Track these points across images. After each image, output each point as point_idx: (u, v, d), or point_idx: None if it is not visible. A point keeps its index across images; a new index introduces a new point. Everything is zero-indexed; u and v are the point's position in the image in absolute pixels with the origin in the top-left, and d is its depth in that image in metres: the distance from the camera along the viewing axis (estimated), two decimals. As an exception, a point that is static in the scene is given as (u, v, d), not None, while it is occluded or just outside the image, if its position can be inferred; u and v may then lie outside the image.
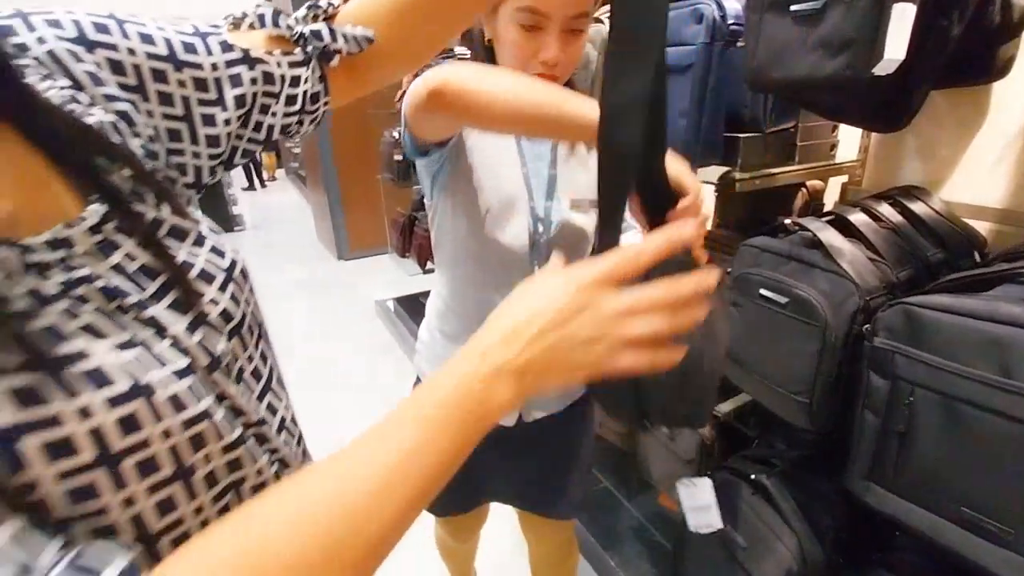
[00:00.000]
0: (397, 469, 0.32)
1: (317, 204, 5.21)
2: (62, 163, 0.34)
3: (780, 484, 1.06)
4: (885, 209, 0.97)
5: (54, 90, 0.35)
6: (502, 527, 1.55)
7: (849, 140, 1.23)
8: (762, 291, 0.93)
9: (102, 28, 0.39)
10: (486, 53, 0.88)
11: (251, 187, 8.79)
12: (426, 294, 1.03)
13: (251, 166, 8.71)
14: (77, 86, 0.37)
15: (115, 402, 0.29)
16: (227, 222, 5.89)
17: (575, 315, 0.37)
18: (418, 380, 1.07)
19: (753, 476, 1.09)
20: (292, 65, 0.48)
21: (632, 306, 0.38)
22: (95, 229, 0.33)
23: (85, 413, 0.28)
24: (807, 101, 1.00)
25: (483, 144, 0.87)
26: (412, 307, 3.25)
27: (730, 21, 1.09)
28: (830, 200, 1.34)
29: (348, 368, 3.00)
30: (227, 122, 0.45)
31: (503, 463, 1.07)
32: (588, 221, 0.91)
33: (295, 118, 0.50)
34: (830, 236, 0.89)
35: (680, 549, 1.26)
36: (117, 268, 0.34)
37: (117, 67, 0.39)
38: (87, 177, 0.34)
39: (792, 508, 1.04)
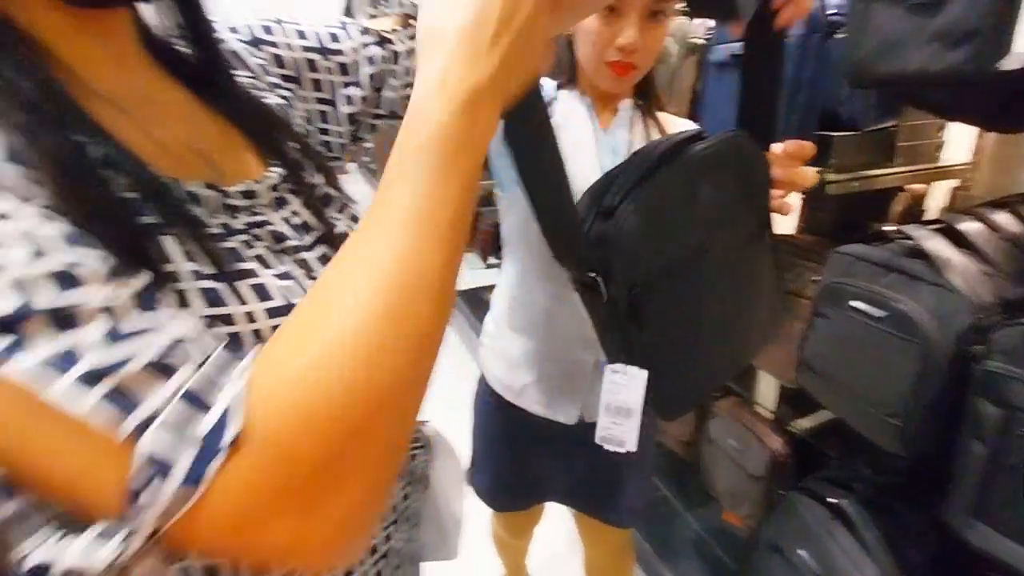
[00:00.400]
0: (424, 220, 0.29)
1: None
2: (250, 134, 0.43)
3: (863, 511, 0.99)
4: (1002, 218, 0.88)
5: (240, 79, 0.44)
6: (557, 526, 1.54)
7: (958, 141, 1.13)
8: (854, 303, 0.86)
9: (268, 29, 0.48)
10: (567, 52, 0.86)
11: (323, 178, 9.17)
12: (487, 288, 1.02)
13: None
14: (254, 76, 0.46)
15: (272, 313, 0.36)
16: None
17: (515, 7, 0.31)
18: (482, 376, 1.07)
19: (832, 500, 1.02)
20: (410, 38, 0.54)
21: None
22: (274, 187, 0.42)
23: (250, 317, 0.35)
24: (917, 98, 0.92)
25: (560, 140, 0.86)
26: (472, 301, 3.28)
27: (830, 11, 1.02)
28: (933, 206, 1.23)
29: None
30: (363, 100, 0.52)
31: (561, 462, 1.05)
32: None
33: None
34: (937, 246, 0.82)
35: (744, 568, 1.20)
36: (286, 219, 0.42)
37: (279, 61, 0.48)
38: (269, 147, 0.43)
39: (876, 538, 0.96)
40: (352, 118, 0.52)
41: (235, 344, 0.34)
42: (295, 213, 0.43)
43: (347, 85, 0.51)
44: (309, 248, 0.43)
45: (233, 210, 0.38)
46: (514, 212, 0.92)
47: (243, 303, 0.35)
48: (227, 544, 0.26)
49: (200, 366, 0.26)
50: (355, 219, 0.48)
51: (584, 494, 1.09)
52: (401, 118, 0.57)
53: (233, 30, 0.47)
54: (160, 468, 0.23)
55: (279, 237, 0.41)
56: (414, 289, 0.28)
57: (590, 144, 0.86)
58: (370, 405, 0.26)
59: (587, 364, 0.92)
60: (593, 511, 1.12)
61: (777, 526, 1.07)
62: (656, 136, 0.91)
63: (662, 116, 0.93)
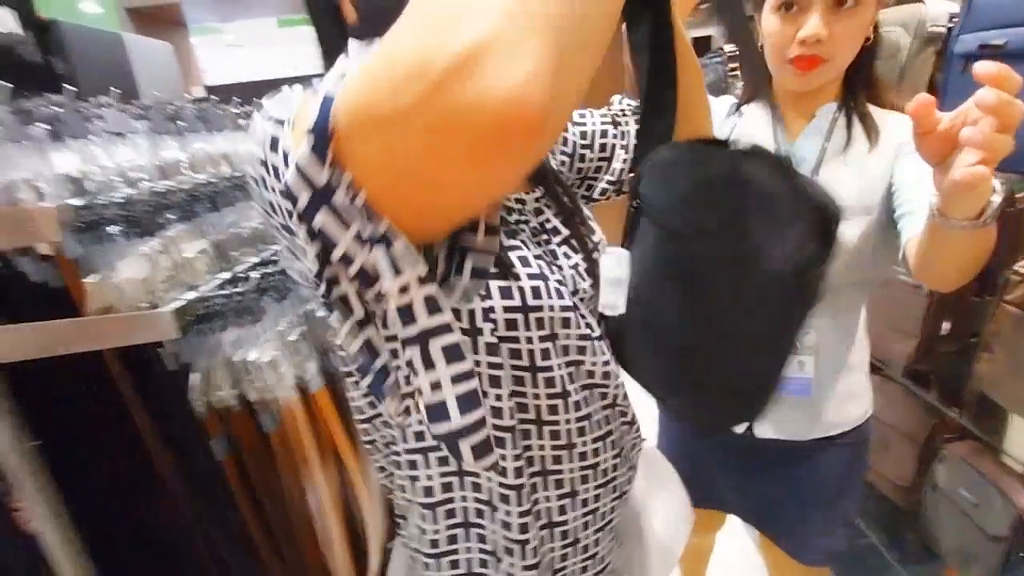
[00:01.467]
0: None
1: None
2: None
3: None
4: None
5: None
6: (743, 553, 1.49)
7: None
8: None
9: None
10: (757, 62, 0.86)
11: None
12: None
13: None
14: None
15: (531, 276, 0.50)
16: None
17: None
18: None
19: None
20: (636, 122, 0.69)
21: None
22: (537, 200, 0.58)
23: (516, 276, 0.50)
24: None
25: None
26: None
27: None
28: None
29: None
30: (595, 162, 0.69)
31: (733, 473, 1.04)
32: (846, 229, 0.79)
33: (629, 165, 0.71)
34: None
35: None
36: (541, 222, 0.57)
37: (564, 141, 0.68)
38: (536, 175, 0.59)
39: None
40: (580, 171, 0.69)
41: (508, 294, 0.49)
42: (548, 220, 0.58)
43: (584, 147, 0.68)
44: (556, 244, 0.58)
45: (508, 210, 0.55)
46: None
47: (512, 267, 0.50)
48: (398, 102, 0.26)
49: None
50: (593, 231, 0.62)
51: (758, 513, 1.06)
52: (625, 192, 0.71)
53: None
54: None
55: (536, 231, 0.56)
56: None
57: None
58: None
59: None
60: (777, 538, 1.07)
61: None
62: (862, 140, 0.83)
63: (880, 114, 0.84)
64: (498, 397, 0.50)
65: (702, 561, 1.42)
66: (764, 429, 0.95)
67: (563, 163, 0.68)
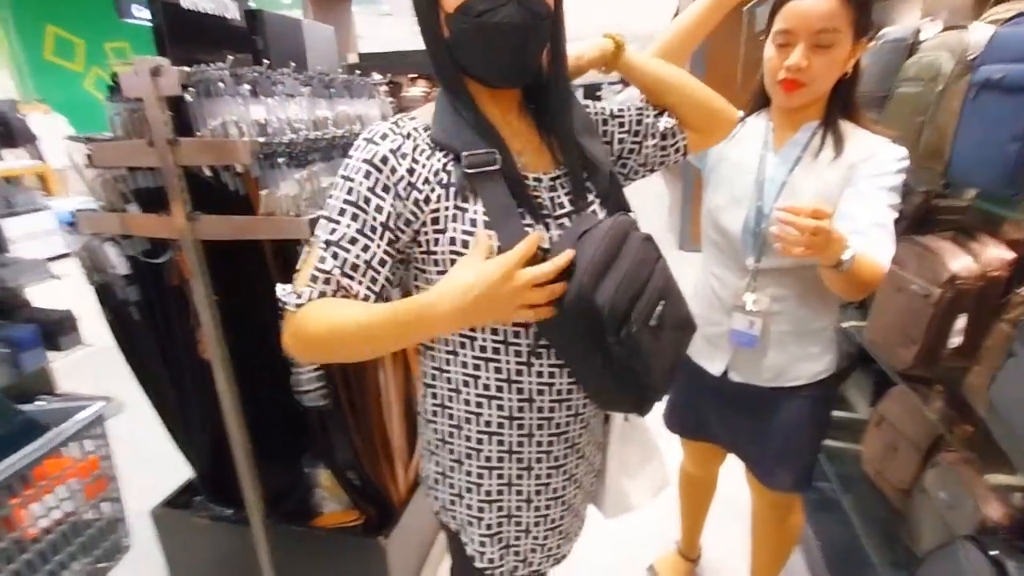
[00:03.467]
0: (379, 330, 0.64)
1: (673, 196, 5.57)
2: (549, 147, 0.75)
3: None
4: None
5: (588, 119, 0.80)
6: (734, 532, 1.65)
7: None
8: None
9: (614, 112, 0.85)
10: (760, 86, 1.08)
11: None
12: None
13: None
14: (602, 120, 0.84)
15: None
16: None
17: (498, 287, 0.59)
18: None
19: (993, 552, 0.95)
20: (656, 114, 0.85)
21: (529, 281, 0.59)
22: (553, 179, 0.73)
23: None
24: None
25: (729, 158, 1.11)
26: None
27: None
28: None
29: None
30: (630, 147, 0.84)
31: (717, 410, 1.30)
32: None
33: (663, 153, 0.86)
34: None
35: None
36: (552, 198, 0.72)
37: (609, 121, 0.84)
38: (560, 156, 0.74)
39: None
40: (620, 155, 0.84)
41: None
42: (558, 196, 0.72)
43: (623, 135, 0.84)
44: (556, 218, 0.71)
45: (524, 185, 0.69)
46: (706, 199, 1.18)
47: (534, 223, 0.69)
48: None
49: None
50: (596, 213, 0.74)
51: (740, 446, 1.31)
52: (653, 171, 0.90)
53: (602, 109, 0.84)
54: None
55: (539, 206, 0.70)
56: (366, 343, 0.67)
57: (752, 164, 1.08)
58: (333, 348, 0.69)
59: (725, 329, 1.16)
60: (748, 464, 1.32)
61: (935, 569, 1.04)
62: (830, 152, 1.02)
63: (848, 129, 1.03)
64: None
65: (707, 496, 1.64)
66: (736, 374, 1.18)
67: (618, 152, 0.83)
